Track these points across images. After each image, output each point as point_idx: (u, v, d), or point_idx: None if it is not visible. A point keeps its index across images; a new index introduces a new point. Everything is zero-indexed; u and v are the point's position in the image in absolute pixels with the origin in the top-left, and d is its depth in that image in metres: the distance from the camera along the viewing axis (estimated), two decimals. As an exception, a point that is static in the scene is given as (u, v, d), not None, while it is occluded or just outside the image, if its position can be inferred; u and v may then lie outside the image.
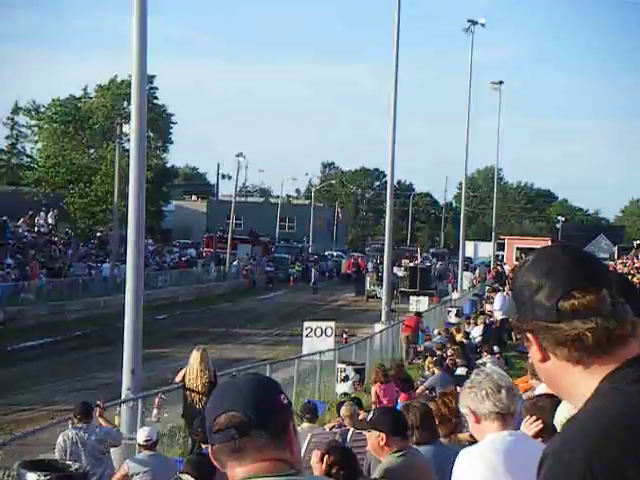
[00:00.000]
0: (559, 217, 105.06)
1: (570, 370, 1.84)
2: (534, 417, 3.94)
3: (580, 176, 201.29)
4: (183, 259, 64.66)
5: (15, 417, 21.14)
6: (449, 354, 18.67)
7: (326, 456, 5.45)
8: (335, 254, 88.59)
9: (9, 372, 27.49)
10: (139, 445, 10.21)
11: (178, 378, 14.95)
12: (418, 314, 30.42)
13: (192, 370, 14.79)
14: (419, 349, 25.64)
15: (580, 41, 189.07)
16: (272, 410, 2.26)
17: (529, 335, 1.88)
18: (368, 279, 59.80)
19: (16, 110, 74.51)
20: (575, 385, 1.84)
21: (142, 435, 10.33)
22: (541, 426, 3.97)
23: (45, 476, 6.98)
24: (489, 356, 18.61)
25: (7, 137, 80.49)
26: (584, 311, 1.81)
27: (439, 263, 77.55)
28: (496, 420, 3.71)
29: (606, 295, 1.82)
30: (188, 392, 14.78)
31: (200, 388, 14.46)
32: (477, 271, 65.48)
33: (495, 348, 21.22)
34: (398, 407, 9.81)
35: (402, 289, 50.67)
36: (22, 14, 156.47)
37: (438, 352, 19.65)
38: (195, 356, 14.98)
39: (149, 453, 10.13)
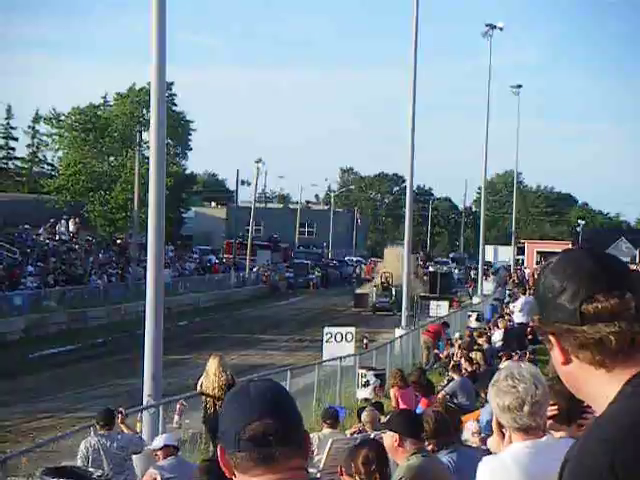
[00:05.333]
0: (579, 220, 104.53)
1: (592, 373, 1.83)
2: (550, 401, 3.84)
3: (600, 179, 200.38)
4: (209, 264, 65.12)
5: (37, 424, 21.24)
6: (472, 358, 18.61)
7: (365, 450, 5.42)
8: (355, 259, 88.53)
9: (31, 379, 27.62)
10: (160, 450, 10.20)
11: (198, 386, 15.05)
12: (445, 324, 30.15)
13: (209, 376, 14.85)
14: (441, 355, 25.56)
15: (598, 44, 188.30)
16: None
17: (551, 338, 1.88)
18: (374, 289, 54.52)
19: (37, 119, 75.11)
20: (597, 388, 1.83)
21: (165, 440, 10.35)
22: (556, 412, 3.92)
23: (68, 483, 7.01)
24: (509, 360, 18.52)
25: (28, 146, 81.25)
26: (607, 315, 1.80)
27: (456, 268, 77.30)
28: (518, 433, 3.64)
29: (630, 299, 1.81)
30: (206, 398, 14.84)
31: (218, 394, 14.49)
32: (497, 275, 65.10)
33: (517, 352, 21.11)
34: (417, 412, 9.80)
35: (422, 294, 50.57)
36: (42, 22, 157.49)
37: (459, 357, 19.59)
38: (212, 362, 15.05)
39: (174, 459, 10.12)
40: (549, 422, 3.87)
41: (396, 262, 54.45)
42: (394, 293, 51.01)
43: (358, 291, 57.71)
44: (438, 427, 6.41)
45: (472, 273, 70.34)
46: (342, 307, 55.06)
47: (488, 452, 4.47)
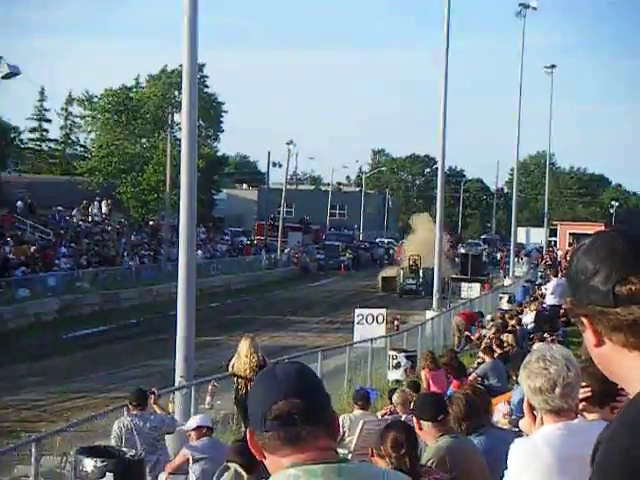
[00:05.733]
0: (613, 202, 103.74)
1: (626, 355, 1.82)
2: (583, 383, 3.82)
3: (635, 160, 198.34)
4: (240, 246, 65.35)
5: (71, 404, 21.48)
6: (503, 340, 18.57)
7: (393, 433, 5.43)
8: (386, 241, 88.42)
9: (65, 360, 27.92)
10: (193, 431, 10.29)
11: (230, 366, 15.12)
12: (481, 313, 29.95)
13: (241, 357, 14.92)
14: (472, 337, 25.52)
15: (631, 23, 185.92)
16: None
17: (584, 320, 1.87)
18: (402, 272, 52.97)
19: (70, 101, 75.51)
20: (630, 371, 1.82)
21: (197, 421, 10.42)
22: (589, 394, 3.90)
23: (102, 462, 7.09)
24: (541, 343, 18.47)
25: (61, 128, 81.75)
26: (641, 296, 1.78)
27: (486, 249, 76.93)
28: (550, 415, 3.62)
29: (665, 280, 1.79)
30: (238, 379, 14.91)
31: (250, 375, 14.55)
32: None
33: (551, 333, 21.05)
34: (449, 394, 9.80)
35: (453, 276, 50.37)
36: (74, 4, 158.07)
37: (490, 339, 19.54)
38: (244, 344, 15.13)
39: (207, 439, 10.19)
40: (582, 404, 3.85)
41: (424, 233, 54.19)
42: (422, 275, 50.67)
43: (385, 274, 56.14)
44: (468, 409, 6.41)
45: (504, 255, 70.09)
46: (373, 289, 55.04)
47: (519, 434, 4.46)
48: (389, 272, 56.11)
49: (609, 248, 1.85)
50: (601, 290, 1.82)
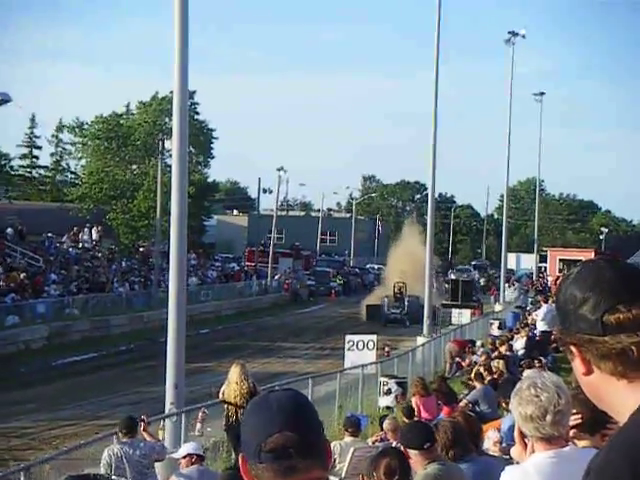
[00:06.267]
0: (602, 228, 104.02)
1: (614, 384, 1.83)
2: (574, 410, 3.82)
3: (624, 187, 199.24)
4: (230, 272, 65.21)
5: (60, 432, 21.34)
6: (494, 367, 18.54)
7: (387, 460, 5.42)
8: (377, 267, 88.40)
9: (54, 387, 27.76)
10: (183, 459, 10.24)
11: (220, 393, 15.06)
12: (473, 342, 29.61)
13: (231, 384, 14.87)
14: (463, 364, 25.48)
15: (620, 51, 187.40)
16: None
17: (573, 348, 1.88)
18: (386, 300, 50.55)
19: (60, 127, 75.59)
20: (619, 399, 1.83)
21: (187, 449, 10.37)
22: (580, 421, 3.90)
23: (91, 490, 7.04)
24: (531, 369, 18.45)
25: (52, 154, 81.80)
26: (629, 325, 1.79)
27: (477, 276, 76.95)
28: (541, 442, 3.62)
29: (652, 309, 1.81)
30: (228, 406, 14.85)
31: (240, 402, 14.50)
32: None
33: (540, 360, 21.02)
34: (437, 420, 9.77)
35: (443, 302, 50.29)
36: (65, 32, 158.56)
37: (481, 366, 19.51)
38: (234, 370, 15.07)
39: (196, 467, 10.14)
40: (572, 431, 3.85)
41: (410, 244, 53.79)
42: (406, 304, 49.55)
43: (369, 302, 53.65)
44: (455, 436, 6.41)
45: (494, 281, 70.18)
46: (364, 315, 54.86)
47: (509, 461, 4.46)
48: (373, 300, 53.73)
49: (597, 277, 1.86)
50: (590, 319, 1.83)
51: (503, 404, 13.43)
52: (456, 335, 31.72)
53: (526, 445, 3.68)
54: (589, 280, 1.86)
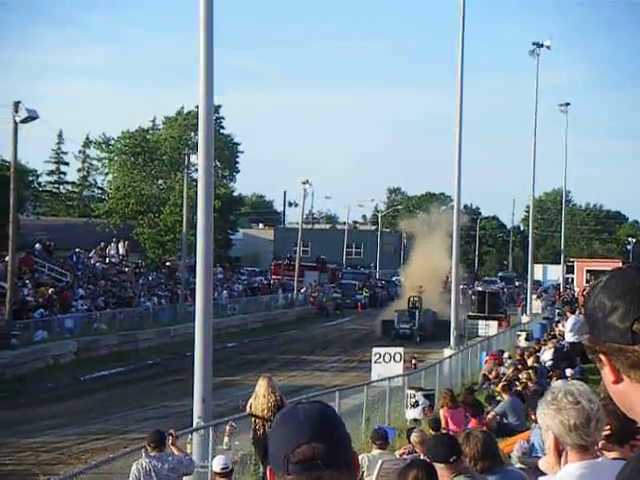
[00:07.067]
0: (629, 238, 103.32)
1: (644, 393, 1.82)
2: None
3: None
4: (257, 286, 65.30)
5: (89, 446, 21.42)
6: (522, 378, 18.45)
7: (415, 472, 5.42)
8: (403, 279, 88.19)
9: (83, 402, 27.88)
10: (216, 474, 10.25)
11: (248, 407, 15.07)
12: (501, 351, 29.02)
13: (259, 397, 14.88)
14: (490, 375, 25.33)
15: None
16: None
17: (602, 357, 1.87)
18: (397, 315, 49.13)
19: (87, 143, 76.17)
20: (649, 408, 1.82)
21: (219, 463, 10.39)
22: (609, 432, 3.87)
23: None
24: (560, 380, 18.34)
25: (79, 170, 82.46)
26: (659, 333, 1.79)
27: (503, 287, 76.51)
28: (579, 452, 3.58)
29: (683, 317, 1.80)
30: (256, 419, 14.85)
31: (267, 415, 14.50)
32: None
33: (568, 371, 20.90)
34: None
35: (470, 313, 50.01)
36: (93, 48, 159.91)
37: (509, 377, 19.42)
38: (261, 384, 15.08)
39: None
40: (601, 442, 3.82)
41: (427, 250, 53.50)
42: (417, 317, 48.00)
43: (385, 317, 51.73)
44: (484, 449, 6.37)
45: (521, 292, 69.81)
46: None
47: (536, 473, 4.43)
48: (389, 315, 51.57)
49: (626, 285, 1.85)
50: (619, 327, 1.82)
51: (532, 416, 13.35)
52: (483, 347, 31.56)
53: (559, 456, 3.64)
54: (618, 288, 1.85)
